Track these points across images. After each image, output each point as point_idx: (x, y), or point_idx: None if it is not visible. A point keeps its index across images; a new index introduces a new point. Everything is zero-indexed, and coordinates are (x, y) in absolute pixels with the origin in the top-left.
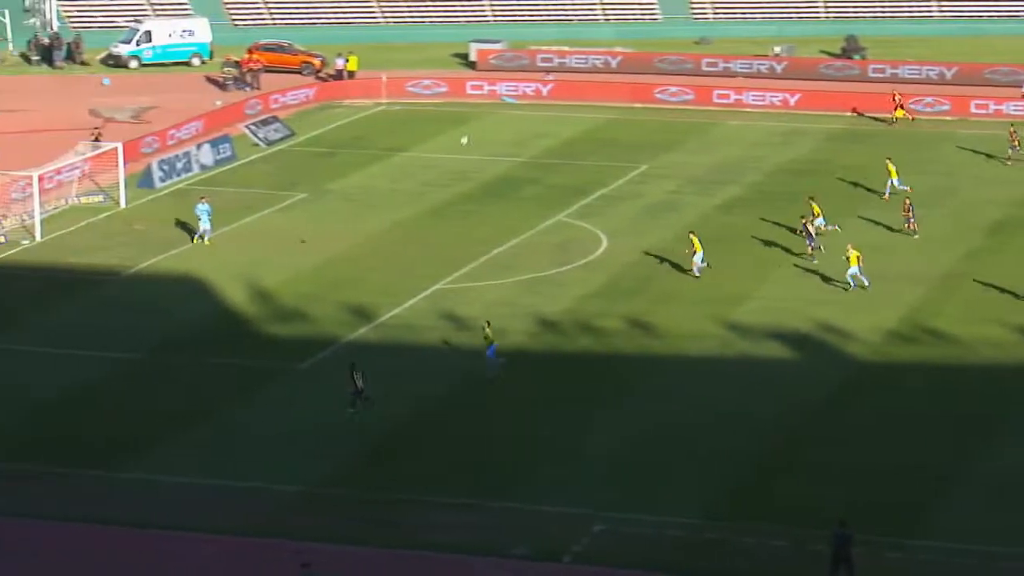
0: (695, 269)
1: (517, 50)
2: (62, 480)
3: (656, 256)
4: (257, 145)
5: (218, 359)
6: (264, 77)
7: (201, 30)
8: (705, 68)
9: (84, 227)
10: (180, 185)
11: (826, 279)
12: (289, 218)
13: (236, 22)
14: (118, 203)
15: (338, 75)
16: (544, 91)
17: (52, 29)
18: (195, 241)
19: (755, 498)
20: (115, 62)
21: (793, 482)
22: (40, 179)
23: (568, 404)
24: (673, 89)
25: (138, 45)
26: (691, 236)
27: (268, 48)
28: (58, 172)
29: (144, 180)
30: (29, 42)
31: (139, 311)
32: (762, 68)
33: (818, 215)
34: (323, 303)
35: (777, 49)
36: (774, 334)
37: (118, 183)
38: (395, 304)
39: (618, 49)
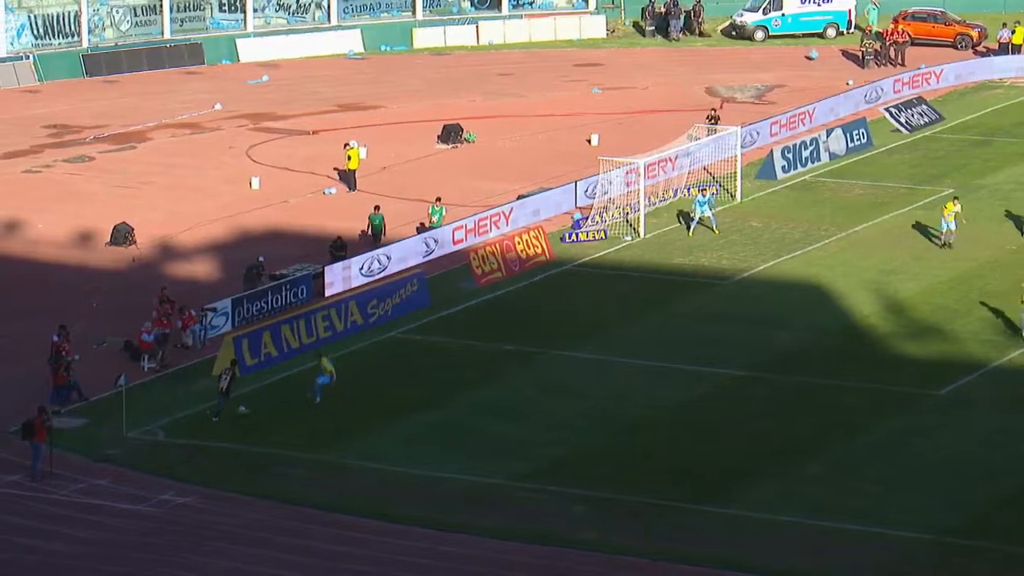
0: None
1: None
2: (651, 512)
3: None
4: (898, 131)
5: (838, 380)
6: (910, 51)
7: None
8: None
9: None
10: (805, 177)
11: None
12: (932, 217)
13: None
14: (733, 196)
15: (1002, 49)
16: None
17: None
18: (691, 233)
19: None
20: (738, 33)
21: None
22: (647, 168)
23: None
24: None
25: (766, 14)
26: None
27: (918, 17)
28: (668, 160)
29: (764, 170)
30: (644, 10)
31: (750, 320)
32: None
33: None
34: (967, 319)
35: None
36: None
37: (734, 173)
38: None
39: None
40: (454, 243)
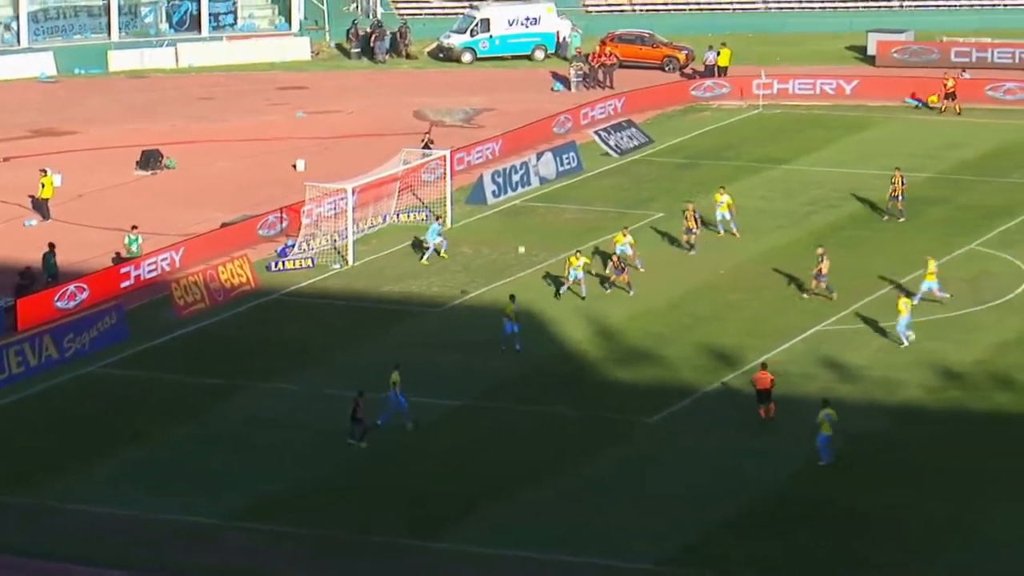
0: None
1: (926, 43)
2: (365, 547)
3: None
4: (608, 154)
5: (554, 408)
6: (619, 74)
7: (547, 18)
8: None
9: (403, 249)
10: (516, 201)
11: None
12: (639, 241)
13: (589, 8)
14: (444, 222)
15: (708, 71)
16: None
17: (375, 17)
18: (425, 261)
19: None
20: (446, 55)
21: None
22: (355, 193)
23: (967, 475)
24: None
25: (473, 35)
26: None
27: (625, 39)
28: (377, 185)
29: (474, 195)
30: (348, 32)
31: (464, 349)
32: None
33: None
34: (678, 345)
35: None
36: None
37: (444, 198)
38: (765, 348)
39: None
40: (154, 273)
